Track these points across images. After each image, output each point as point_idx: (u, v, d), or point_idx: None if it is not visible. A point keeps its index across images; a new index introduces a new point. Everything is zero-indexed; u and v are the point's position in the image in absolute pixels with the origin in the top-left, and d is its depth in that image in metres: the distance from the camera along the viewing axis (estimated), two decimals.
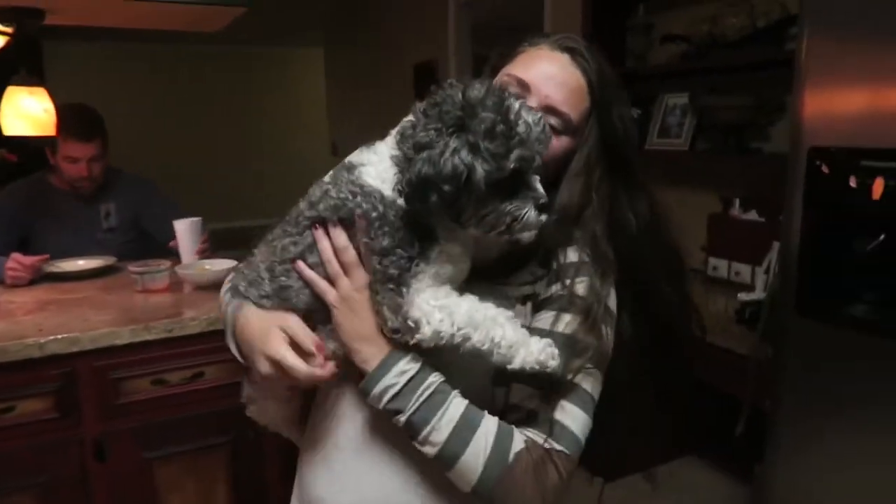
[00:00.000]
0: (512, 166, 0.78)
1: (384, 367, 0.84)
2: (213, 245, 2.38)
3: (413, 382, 0.83)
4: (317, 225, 0.88)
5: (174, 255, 2.31)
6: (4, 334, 1.67)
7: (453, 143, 0.76)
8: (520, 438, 0.84)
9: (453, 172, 0.76)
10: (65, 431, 1.70)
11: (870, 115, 1.39)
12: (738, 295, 2.14)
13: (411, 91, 4.97)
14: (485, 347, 0.80)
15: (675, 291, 1.01)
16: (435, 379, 0.84)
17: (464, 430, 0.82)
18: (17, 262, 2.13)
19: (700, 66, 2.53)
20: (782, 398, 1.60)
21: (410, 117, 0.84)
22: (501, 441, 0.83)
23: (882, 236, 1.31)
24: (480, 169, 0.76)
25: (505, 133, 0.77)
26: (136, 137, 7.69)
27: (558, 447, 0.84)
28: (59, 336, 1.66)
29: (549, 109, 0.92)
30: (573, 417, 0.86)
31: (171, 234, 2.40)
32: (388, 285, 0.82)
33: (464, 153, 0.76)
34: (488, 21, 4.66)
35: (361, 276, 0.86)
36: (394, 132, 0.87)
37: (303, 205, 0.91)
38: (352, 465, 0.94)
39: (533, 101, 0.91)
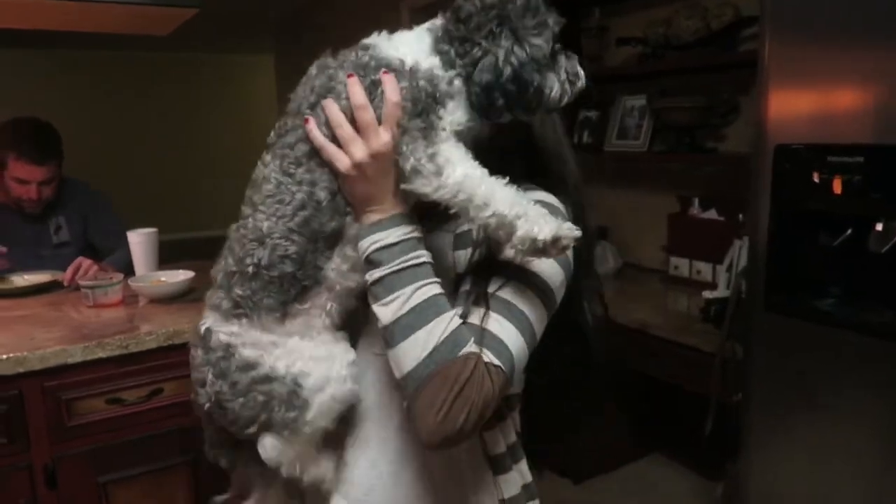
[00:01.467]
0: (556, 30, 0.84)
1: (387, 221, 0.82)
2: (165, 257, 2.29)
3: (406, 245, 0.81)
4: (325, 96, 0.84)
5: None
6: None
7: (504, 42, 0.81)
8: (473, 345, 0.80)
9: (514, 73, 0.80)
10: (12, 458, 1.59)
11: (830, 113, 1.42)
12: (703, 293, 2.16)
13: None
14: (508, 218, 0.78)
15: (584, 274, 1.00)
16: (426, 257, 0.82)
17: (430, 309, 0.80)
18: None
19: (656, 68, 2.57)
20: (753, 394, 1.61)
21: (438, 21, 0.87)
22: (458, 336, 0.79)
23: (849, 231, 1.33)
24: (542, 43, 0.82)
25: (534, 6, 0.83)
26: (79, 147, 7.41)
27: (496, 361, 0.80)
28: (4, 356, 1.56)
29: None
30: (506, 332, 0.82)
31: (116, 248, 2.31)
32: (418, 136, 0.81)
33: (517, 49, 0.81)
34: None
35: (381, 139, 0.82)
36: (422, 28, 0.88)
37: (300, 91, 0.87)
38: (373, 432, 0.95)
39: None
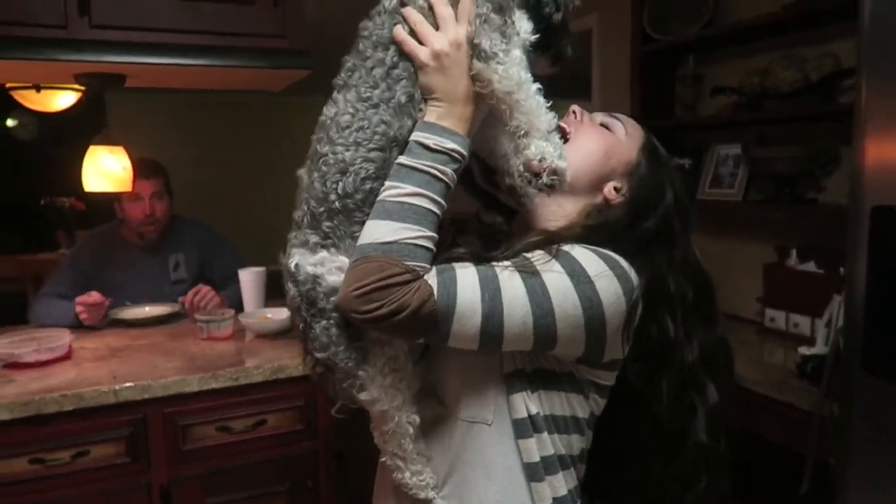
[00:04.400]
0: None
1: (441, 129, 0.89)
2: (272, 289, 2.44)
3: (442, 157, 0.88)
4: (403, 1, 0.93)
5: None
6: (80, 381, 1.76)
7: None
8: (427, 265, 0.86)
9: None
10: (134, 477, 1.76)
11: None
12: (799, 349, 2.10)
13: None
14: (537, 131, 0.90)
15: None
16: (450, 181, 0.89)
17: (415, 216, 0.86)
18: (82, 303, 2.25)
19: (753, 117, 2.54)
20: (849, 459, 1.55)
21: None
22: (418, 251, 0.85)
23: None
24: None
25: None
26: (195, 183, 7.92)
27: (434, 289, 0.84)
28: (132, 383, 1.74)
29: (609, 115, 1.08)
30: (465, 279, 0.86)
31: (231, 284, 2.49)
32: (496, 29, 0.89)
33: None
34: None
35: (458, 30, 0.90)
36: None
37: (370, 25, 0.95)
38: None
39: (599, 115, 1.09)
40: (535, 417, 0.94)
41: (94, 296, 2.25)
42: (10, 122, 5.92)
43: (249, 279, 2.32)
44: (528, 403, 0.94)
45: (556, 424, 0.96)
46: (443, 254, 0.93)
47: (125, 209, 2.50)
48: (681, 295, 1.00)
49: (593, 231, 0.97)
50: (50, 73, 2.07)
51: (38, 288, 2.59)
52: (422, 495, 0.98)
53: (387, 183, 0.88)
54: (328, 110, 0.94)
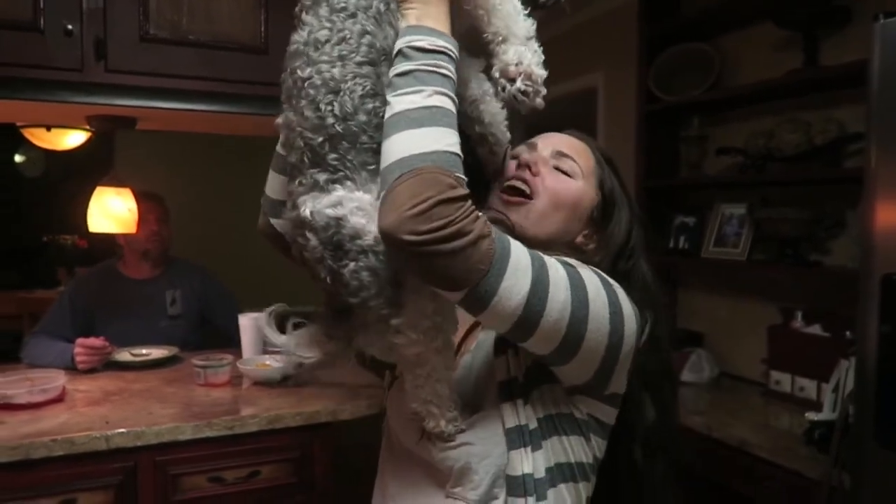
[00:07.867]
0: None
1: (427, 29, 0.82)
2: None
3: (439, 56, 0.81)
4: None
5: (235, 347, 2.36)
6: (71, 425, 1.72)
7: None
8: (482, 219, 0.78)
9: None
10: None
11: None
12: (806, 414, 2.05)
13: None
14: (515, 38, 0.87)
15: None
16: (452, 75, 0.81)
17: (445, 118, 0.78)
18: (83, 346, 2.20)
19: (757, 179, 2.56)
20: None
21: None
22: (459, 161, 0.77)
23: None
24: None
25: None
26: (201, 223, 7.92)
27: (493, 232, 0.78)
28: (125, 430, 1.69)
29: (559, 154, 1.04)
30: (517, 244, 0.81)
31: (233, 329, 2.47)
32: None
33: None
34: (542, 127, 4.81)
35: None
36: None
37: None
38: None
39: (546, 151, 1.04)
40: (528, 477, 0.90)
41: (97, 340, 2.22)
42: (17, 158, 5.96)
43: (249, 324, 2.29)
44: (524, 461, 0.90)
45: (563, 473, 0.92)
46: None
47: (132, 239, 2.51)
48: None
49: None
50: (62, 114, 2.09)
51: (34, 326, 2.57)
52: (458, 441, 0.92)
53: (395, 97, 0.78)
54: (298, 36, 0.84)
